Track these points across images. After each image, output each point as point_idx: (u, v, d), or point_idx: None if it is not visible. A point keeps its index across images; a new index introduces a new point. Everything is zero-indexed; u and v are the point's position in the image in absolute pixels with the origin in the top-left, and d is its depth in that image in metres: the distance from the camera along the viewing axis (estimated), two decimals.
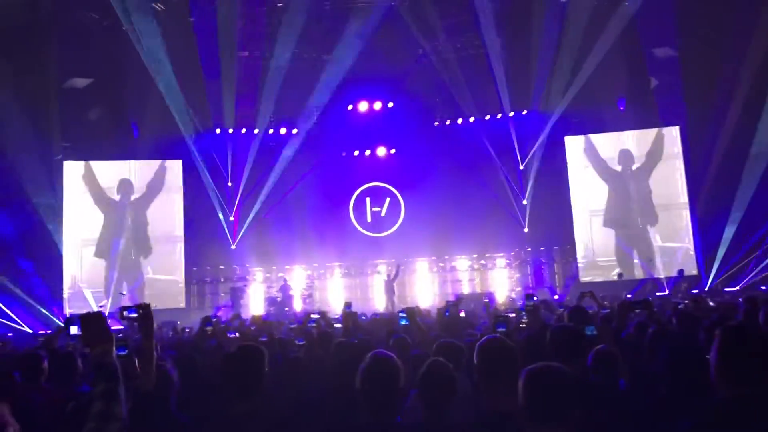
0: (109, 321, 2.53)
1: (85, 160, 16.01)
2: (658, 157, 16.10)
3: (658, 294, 13.38)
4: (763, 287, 12.84)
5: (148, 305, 3.04)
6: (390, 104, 17.00)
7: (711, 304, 8.02)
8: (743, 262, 13.93)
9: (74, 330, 4.12)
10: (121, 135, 15.87)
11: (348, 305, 6.38)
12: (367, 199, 17.62)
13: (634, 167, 16.17)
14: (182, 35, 14.34)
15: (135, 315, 3.02)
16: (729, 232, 14.17)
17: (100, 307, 13.35)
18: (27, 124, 13.41)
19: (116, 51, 14.33)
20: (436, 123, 17.32)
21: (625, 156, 16.20)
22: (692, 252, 15.43)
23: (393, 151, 17.38)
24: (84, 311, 2.63)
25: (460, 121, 16.97)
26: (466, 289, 16.28)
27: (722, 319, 4.85)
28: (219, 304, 15.56)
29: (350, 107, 17.06)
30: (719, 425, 2.36)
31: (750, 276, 13.73)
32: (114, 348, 2.50)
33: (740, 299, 6.81)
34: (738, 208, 13.98)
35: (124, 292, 14.87)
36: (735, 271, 14.15)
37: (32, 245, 14.06)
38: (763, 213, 13.53)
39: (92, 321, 2.48)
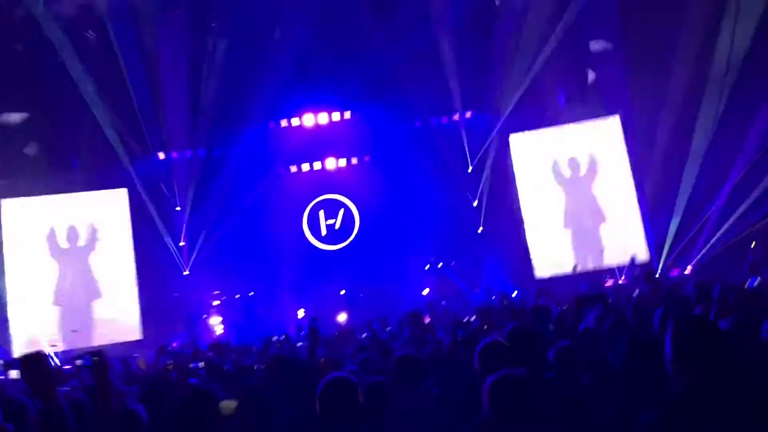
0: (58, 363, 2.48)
1: (24, 196, 15.46)
2: (603, 153, 16.45)
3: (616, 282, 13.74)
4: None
5: (101, 352, 2.90)
6: (335, 115, 16.92)
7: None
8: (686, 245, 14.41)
9: (14, 374, 3.93)
10: (61, 169, 15.40)
11: (314, 321, 6.26)
12: (321, 212, 17.52)
13: (582, 172, 16.51)
14: (112, 60, 14.12)
15: (88, 364, 2.90)
16: (676, 218, 14.62)
17: (52, 347, 12.86)
18: None
19: (50, 82, 13.98)
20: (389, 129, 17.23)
21: (572, 161, 16.52)
22: (643, 241, 15.80)
23: (343, 162, 17.30)
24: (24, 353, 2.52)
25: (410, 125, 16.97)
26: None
27: (673, 307, 4.98)
28: (177, 333, 15.13)
29: (296, 122, 16.89)
30: (678, 417, 2.40)
31: (695, 259, 14.18)
32: (56, 389, 2.42)
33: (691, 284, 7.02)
34: (683, 194, 14.43)
35: (76, 329, 14.34)
36: (681, 254, 14.62)
37: None
38: (706, 198, 14.03)
39: (32, 363, 2.39)
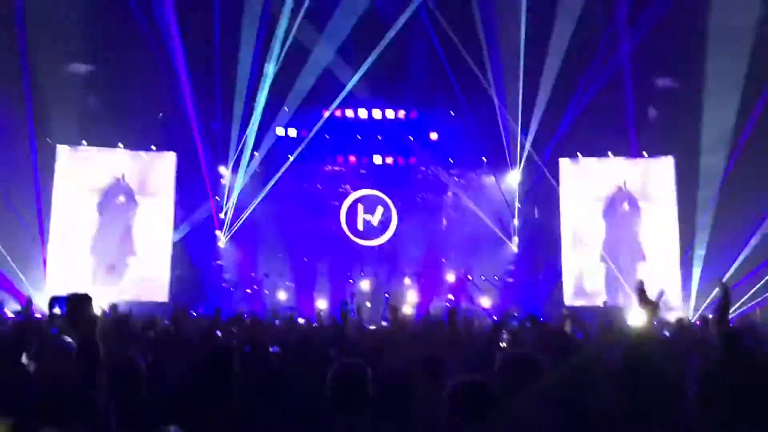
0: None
1: (79, 145, 15.89)
2: (652, 191, 16.21)
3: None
4: None
5: (85, 296, 2.53)
6: (390, 113, 17.04)
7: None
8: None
9: (57, 311, 3.95)
10: (119, 124, 15.64)
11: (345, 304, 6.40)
12: (360, 206, 17.57)
13: (626, 206, 16.27)
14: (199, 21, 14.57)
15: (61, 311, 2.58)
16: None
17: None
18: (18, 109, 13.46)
19: (122, 36, 14.38)
20: (434, 135, 17.28)
21: (621, 194, 16.31)
22: (678, 286, 15.39)
23: (390, 160, 17.35)
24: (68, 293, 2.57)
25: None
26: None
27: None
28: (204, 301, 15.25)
29: (352, 114, 17.03)
30: None
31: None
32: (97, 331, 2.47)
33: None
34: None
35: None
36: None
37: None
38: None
39: (78, 303, 2.47)
